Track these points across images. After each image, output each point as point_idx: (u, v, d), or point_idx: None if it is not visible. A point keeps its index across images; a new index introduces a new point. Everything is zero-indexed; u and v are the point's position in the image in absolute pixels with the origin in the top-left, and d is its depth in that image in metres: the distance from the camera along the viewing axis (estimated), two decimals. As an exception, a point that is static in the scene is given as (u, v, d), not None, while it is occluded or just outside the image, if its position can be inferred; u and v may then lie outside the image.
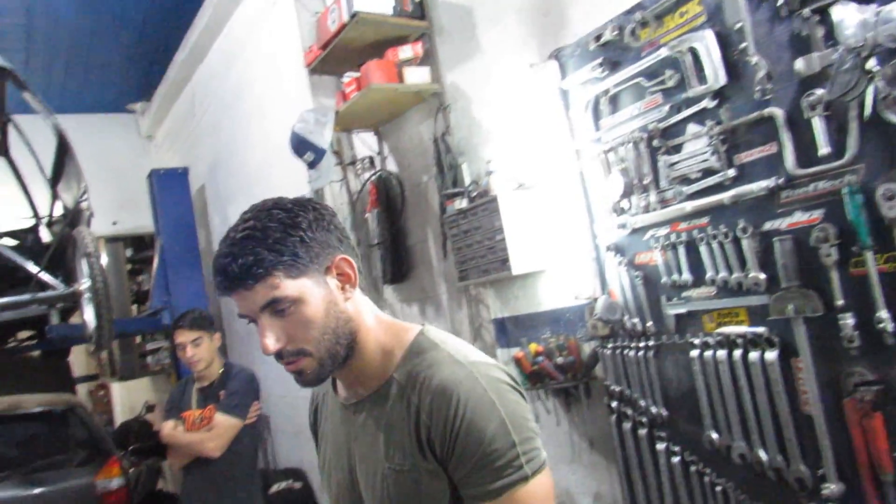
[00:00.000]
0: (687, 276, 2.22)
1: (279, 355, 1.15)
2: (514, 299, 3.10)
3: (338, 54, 3.44)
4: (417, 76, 3.31)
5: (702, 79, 2.07)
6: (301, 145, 3.45)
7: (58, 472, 4.56)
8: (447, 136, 3.30)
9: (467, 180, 3.20)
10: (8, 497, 4.27)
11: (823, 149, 1.81)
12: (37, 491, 4.36)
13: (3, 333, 6.70)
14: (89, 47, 6.40)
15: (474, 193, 3.05)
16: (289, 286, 1.12)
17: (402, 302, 3.92)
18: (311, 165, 3.51)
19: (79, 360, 9.34)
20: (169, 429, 3.44)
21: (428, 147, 3.43)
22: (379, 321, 1.25)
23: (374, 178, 3.87)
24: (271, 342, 1.13)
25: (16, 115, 5.34)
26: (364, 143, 3.96)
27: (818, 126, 1.81)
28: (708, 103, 2.08)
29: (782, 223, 1.93)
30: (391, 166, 3.84)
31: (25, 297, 4.77)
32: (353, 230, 4.15)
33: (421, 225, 3.67)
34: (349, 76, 3.54)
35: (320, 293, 1.15)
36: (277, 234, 1.12)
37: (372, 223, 3.90)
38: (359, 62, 3.34)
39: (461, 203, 3.10)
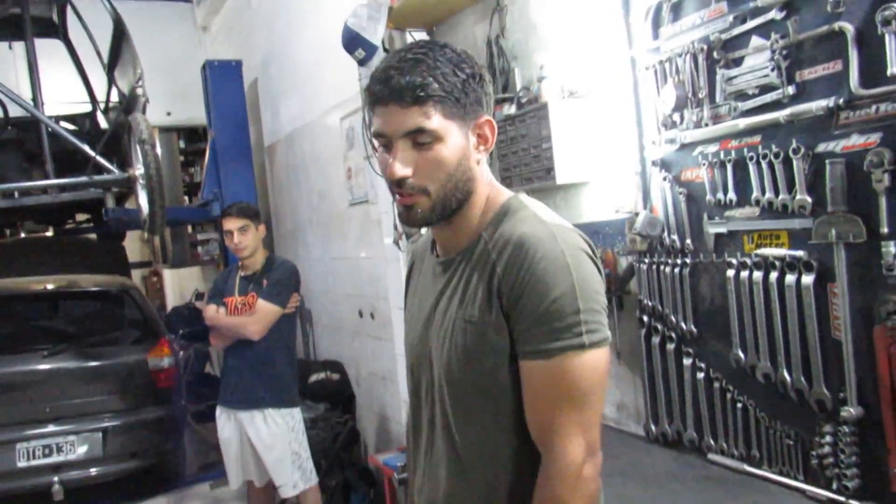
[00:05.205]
0: (732, 195, 2.18)
1: (399, 184, 1.18)
2: (554, 209, 3.04)
3: (395, -54, 3.35)
4: (475, -27, 3.21)
5: (771, -14, 1.97)
6: (352, 41, 3.41)
7: (112, 348, 4.82)
8: (501, 38, 3.23)
9: (518, 86, 3.14)
10: (65, 368, 4.54)
11: (893, 68, 1.72)
12: (92, 364, 4.63)
13: (62, 215, 6.98)
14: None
15: (524, 100, 3.01)
16: (438, 122, 1.15)
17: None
18: (362, 63, 3.48)
19: (133, 247, 9.71)
20: (212, 312, 3.62)
21: (481, 49, 3.35)
22: (490, 186, 1.28)
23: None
24: (400, 167, 1.16)
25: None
26: (417, 43, 3.90)
27: (890, 43, 1.72)
28: (775, 14, 1.98)
29: (837, 145, 1.87)
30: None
31: (83, 179, 4.93)
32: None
33: (468, 130, 3.63)
34: (405, -30, 3.46)
35: (460, 142, 1.19)
36: (447, 69, 1.15)
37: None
38: (416, -44, 3.26)
39: (510, 109, 3.06)
